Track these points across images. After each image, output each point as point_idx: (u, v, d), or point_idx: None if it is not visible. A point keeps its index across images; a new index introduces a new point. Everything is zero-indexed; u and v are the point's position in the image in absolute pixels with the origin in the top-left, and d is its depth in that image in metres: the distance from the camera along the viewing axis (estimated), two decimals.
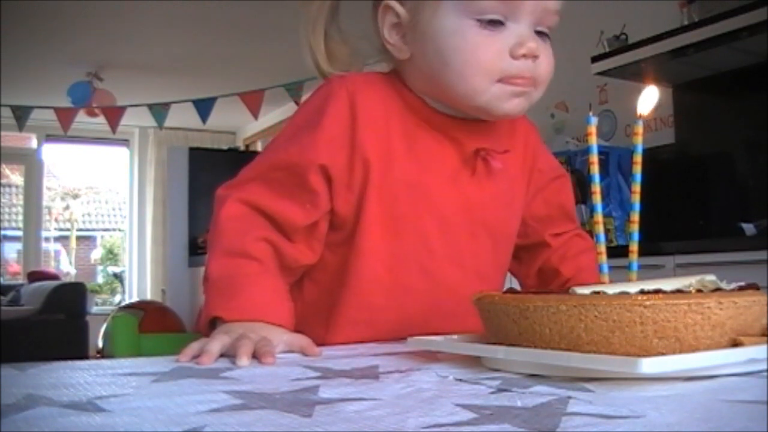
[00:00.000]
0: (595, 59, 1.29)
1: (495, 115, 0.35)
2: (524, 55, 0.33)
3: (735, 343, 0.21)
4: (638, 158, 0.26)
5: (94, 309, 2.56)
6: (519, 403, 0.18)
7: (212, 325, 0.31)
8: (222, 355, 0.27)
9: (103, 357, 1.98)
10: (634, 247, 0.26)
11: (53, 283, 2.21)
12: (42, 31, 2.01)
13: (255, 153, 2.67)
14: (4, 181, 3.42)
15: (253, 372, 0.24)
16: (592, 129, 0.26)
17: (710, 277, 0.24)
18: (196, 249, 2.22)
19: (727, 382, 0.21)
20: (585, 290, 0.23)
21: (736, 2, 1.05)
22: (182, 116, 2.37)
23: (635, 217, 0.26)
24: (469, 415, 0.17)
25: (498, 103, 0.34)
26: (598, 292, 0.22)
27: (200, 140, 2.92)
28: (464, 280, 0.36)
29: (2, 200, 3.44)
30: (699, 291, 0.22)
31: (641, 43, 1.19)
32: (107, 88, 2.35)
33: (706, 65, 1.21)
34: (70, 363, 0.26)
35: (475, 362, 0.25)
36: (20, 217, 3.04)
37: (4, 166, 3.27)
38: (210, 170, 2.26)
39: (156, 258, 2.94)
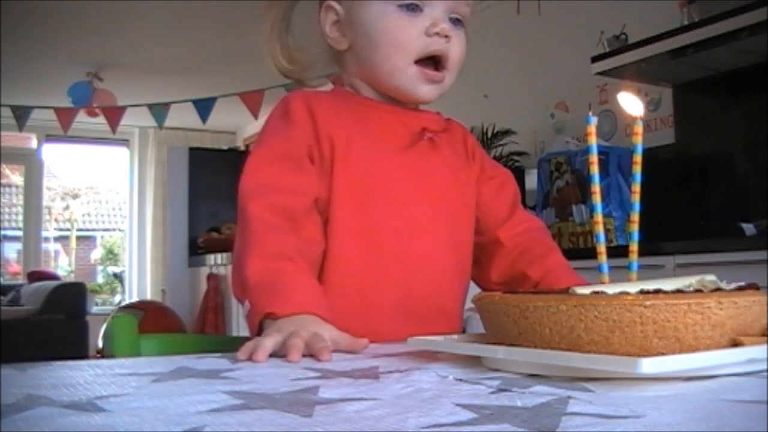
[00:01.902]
0: (595, 59, 1.26)
1: (411, 97, 0.40)
2: (437, 33, 0.38)
3: (735, 343, 0.21)
4: (638, 158, 0.26)
5: (94, 309, 2.56)
6: (519, 403, 0.18)
7: (260, 332, 0.32)
8: (273, 355, 0.27)
9: (103, 357, 1.98)
10: (634, 247, 0.26)
11: (53, 283, 2.21)
12: (42, 31, 2.01)
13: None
14: (4, 181, 3.42)
15: (253, 372, 0.24)
16: (592, 129, 0.26)
17: (710, 277, 0.24)
18: (196, 249, 2.22)
19: (727, 382, 0.20)
20: (585, 290, 0.23)
21: (736, 2, 1.05)
22: (182, 116, 2.37)
23: (635, 217, 0.26)
24: (469, 415, 0.17)
25: (413, 86, 0.39)
26: (598, 292, 0.22)
27: (200, 140, 2.92)
28: (434, 246, 0.40)
29: (2, 200, 3.44)
30: (699, 291, 0.22)
31: (641, 43, 1.19)
32: (107, 88, 2.34)
33: (706, 65, 1.21)
34: (70, 363, 0.26)
35: (475, 362, 0.25)
36: (20, 217, 3.05)
37: (4, 166, 3.27)
38: (210, 170, 2.26)
39: (156, 258, 2.93)
